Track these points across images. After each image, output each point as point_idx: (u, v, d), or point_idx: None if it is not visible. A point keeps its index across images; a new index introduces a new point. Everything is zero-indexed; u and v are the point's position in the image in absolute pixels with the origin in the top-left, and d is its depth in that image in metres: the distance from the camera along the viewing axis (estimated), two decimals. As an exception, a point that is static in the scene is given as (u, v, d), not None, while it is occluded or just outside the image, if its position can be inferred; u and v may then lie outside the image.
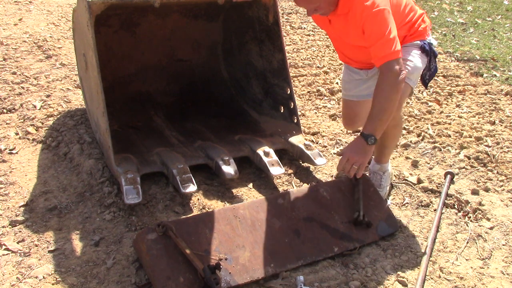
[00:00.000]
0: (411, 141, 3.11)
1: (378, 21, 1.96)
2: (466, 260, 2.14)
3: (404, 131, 3.25)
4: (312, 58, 4.47)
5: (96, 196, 2.37)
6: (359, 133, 2.06)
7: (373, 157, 2.55)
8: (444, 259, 2.13)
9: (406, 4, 2.23)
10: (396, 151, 3.02)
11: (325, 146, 3.03)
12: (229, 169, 2.46)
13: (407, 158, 2.94)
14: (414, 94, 3.89)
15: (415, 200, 2.54)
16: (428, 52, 2.24)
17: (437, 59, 2.24)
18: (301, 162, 2.78)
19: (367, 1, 1.96)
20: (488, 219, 2.41)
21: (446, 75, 4.31)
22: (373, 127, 1.98)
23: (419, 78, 2.31)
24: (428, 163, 2.89)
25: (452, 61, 4.71)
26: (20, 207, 2.28)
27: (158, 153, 2.57)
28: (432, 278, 2.02)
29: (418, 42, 2.26)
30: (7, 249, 2.01)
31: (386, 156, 2.52)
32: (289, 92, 2.83)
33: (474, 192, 2.61)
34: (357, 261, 2.08)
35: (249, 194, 2.49)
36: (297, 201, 2.23)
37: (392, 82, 1.95)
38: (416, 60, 2.22)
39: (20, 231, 2.12)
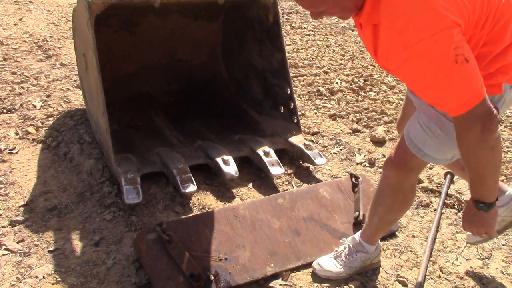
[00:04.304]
0: (411, 141, 3.10)
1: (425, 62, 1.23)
2: (466, 260, 2.14)
3: (404, 131, 3.25)
4: (312, 58, 4.47)
5: (96, 196, 2.36)
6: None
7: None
8: (444, 259, 2.13)
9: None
10: (396, 151, 3.02)
11: (325, 146, 3.03)
12: (229, 169, 2.46)
13: (407, 158, 2.94)
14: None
15: (415, 200, 2.54)
16: None
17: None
18: (301, 162, 2.78)
19: (397, 22, 1.22)
20: (488, 219, 2.41)
21: (446, 75, 4.31)
22: (478, 192, 1.48)
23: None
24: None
25: (452, 61, 4.71)
26: (20, 207, 2.28)
27: (158, 153, 2.57)
28: (432, 278, 2.02)
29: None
30: (7, 249, 2.01)
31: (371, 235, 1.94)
32: (289, 92, 2.83)
33: (474, 192, 2.61)
34: (357, 261, 2.08)
35: (249, 194, 2.49)
36: (297, 201, 2.23)
37: (474, 140, 1.34)
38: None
39: (20, 231, 2.12)
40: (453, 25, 1.20)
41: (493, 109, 1.31)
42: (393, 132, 3.23)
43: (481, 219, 1.51)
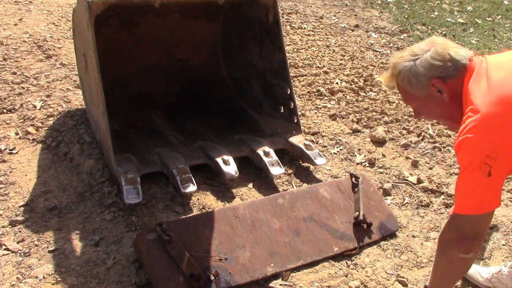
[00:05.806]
0: (411, 141, 3.11)
1: (463, 151, 1.37)
2: (466, 260, 2.14)
3: (404, 131, 3.25)
4: (312, 58, 4.47)
5: (96, 196, 2.36)
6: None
7: None
8: (444, 259, 2.13)
9: None
10: (396, 151, 3.02)
11: (325, 146, 3.03)
12: (229, 169, 2.46)
13: (407, 158, 2.94)
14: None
15: (415, 200, 2.54)
16: None
17: None
18: (301, 162, 2.78)
19: (469, 123, 1.35)
20: (488, 219, 2.41)
21: (446, 75, 4.31)
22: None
23: None
24: (428, 163, 2.89)
25: (452, 61, 4.70)
26: (20, 207, 2.28)
27: (158, 153, 2.57)
28: (432, 278, 2.02)
29: None
30: (7, 249, 2.01)
31: None
32: (289, 92, 2.83)
33: (474, 192, 2.61)
34: (357, 261, 2.08)
35: (249, 194, 2.49)
36: (297, 201, 2.23)
37: (442, 242, 1.50)
38: None
39: (20, 231, 2.12)
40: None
41: (480, 235, 1.36)
42: (393, 132, 3.23)
43: None
